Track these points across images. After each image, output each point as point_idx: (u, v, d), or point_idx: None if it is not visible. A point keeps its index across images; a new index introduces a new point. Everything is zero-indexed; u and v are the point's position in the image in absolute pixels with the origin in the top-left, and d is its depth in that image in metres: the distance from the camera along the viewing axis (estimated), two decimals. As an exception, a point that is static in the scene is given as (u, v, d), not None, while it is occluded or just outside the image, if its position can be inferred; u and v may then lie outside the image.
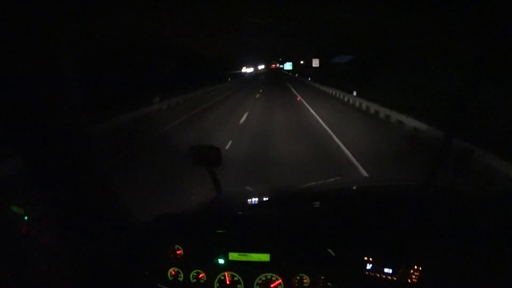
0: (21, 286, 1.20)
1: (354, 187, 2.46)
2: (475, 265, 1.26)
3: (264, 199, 2.04)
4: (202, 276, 1.46)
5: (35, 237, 1.30)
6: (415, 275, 1.31)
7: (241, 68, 77.70)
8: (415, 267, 1.31)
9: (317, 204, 1.92)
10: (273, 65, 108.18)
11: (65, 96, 1.09)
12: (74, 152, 1.14)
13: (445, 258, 1.30)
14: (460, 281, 1.26)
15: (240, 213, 1.75)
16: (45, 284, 1.26)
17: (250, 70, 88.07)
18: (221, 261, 1.44)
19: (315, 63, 45.10)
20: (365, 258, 1.37)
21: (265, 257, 1.41)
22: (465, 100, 1.44)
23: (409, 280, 1.31)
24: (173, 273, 1.47)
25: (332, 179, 2.67)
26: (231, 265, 1.44)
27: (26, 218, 1.34)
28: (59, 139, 1.10)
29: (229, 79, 51.19)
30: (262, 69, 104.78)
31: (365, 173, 6.88)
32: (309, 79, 45.67)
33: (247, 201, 2.06)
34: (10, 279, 1.20)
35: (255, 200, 2.10)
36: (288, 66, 77.54)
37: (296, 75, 69.31)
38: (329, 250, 1.38)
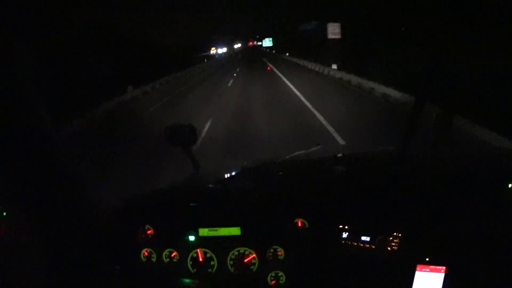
0: None
1: (329, 157, 2.42)
2: (454, 230, 1.24)
3: (237, 173, 2.01)
4: (174, 255, 1.44)
5: (13, 237, 1.29)
6: (394, 242, 1.27)
7: (210, 50, 75.37)
8: (394, 234, 1.27)
9: (289, 175, 1.90)
10: (250, 43, 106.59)
11: (23, 96, 1.04)
12: (38, 151, 1.11)
13: (424, 224, 1.28)
14: (439, 248, 1.24)
15: (208, 186, 1.72)
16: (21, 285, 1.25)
17: (223, 50, 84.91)
18: (191, 238, 1.42)
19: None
20: (340, 226, 1.34)
21: (235, 230, 1.39)
22: (436, 63, 1.44)
23: (388, 248, 1.27)
24: (146, 254, 1.45)
25: (310, 150, 2.68)
26: (202, 242, 1.41)
27: (4, 214, 1.32)
28: (22, 139, 1.06)
29: (205, 60, 53.96)
30: (238, 48, 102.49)
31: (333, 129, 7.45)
32: (287, 54, 44.46)
33: (220, 176, 2.03)
34: None
35: (228, 174, 2.07)
36: (267, 42, 74.04)
37: (274, 51, 65.01)
38: (298, 221, 1.36)
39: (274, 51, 65.64)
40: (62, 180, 1.20)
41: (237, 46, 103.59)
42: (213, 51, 78.46)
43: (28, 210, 1.17)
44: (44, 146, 1.12)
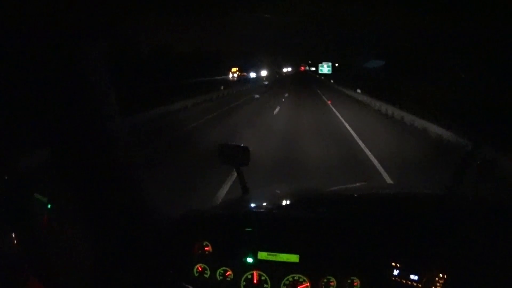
0: (40, 280, 1.23)
1: (381, 192, 2.44)
2: (499, 273, 1.25)
3: (291, 200, 2.04)
4: (229, 274, 1.45)
5: (57, 228, 1.33)
6: (439, 283, 1.30)
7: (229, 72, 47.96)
8: (440, 274, 1.30)
9: (345, 206, 1.90)
10: (302, 68, 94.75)
11: (96, 87, 1.10)
12: (102, 144, 1.15)
13: (469, 266, 1.30)
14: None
15: (269, 211, 1.74)
16: (65, 279, 1.28)
17: (262, 73, 60.71)
18: (249, 259, 1.44)
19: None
20: (393, 264, 1.36)
21: (294, 257, 1.41)
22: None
23: (433, 287, 1.30)
24: (199, 269, 1.47)
25: (358, 184, 2.64)
26: (259, 264, 1.43)
27: (49, 206, 1.37)
28: (88, 130, 1.12)
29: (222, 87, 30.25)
30: (288, 72, 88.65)
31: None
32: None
33: (273, 201, 2.05)
34: (28, 271, 1.22)
35: (282, 200, 2.09)
36: (325, 68, 51.99)
37: (332, 81, 48.45)
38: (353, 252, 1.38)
39: (332, 81, 49.22)
40: (120, 179, 1.23)
41: (287, 69, 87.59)
42: (233, 74, 49.12)
43: (78, 203, 1.20)
44: (103, 142, 1.15)
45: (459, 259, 1.32)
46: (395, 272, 1.36)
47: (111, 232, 1.26)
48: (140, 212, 1.33)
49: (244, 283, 1.44)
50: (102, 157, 1.16)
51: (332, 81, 48.32)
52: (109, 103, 1.15)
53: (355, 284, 1.36)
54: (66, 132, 1.10)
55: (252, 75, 55.07)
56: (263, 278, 1.43)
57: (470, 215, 1.56)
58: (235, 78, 48.20)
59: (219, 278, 1.46)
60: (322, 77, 57.48)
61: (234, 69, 49.88)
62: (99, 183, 1.19)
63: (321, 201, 1.98)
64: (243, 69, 53.47)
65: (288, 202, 2.02)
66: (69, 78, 1.04)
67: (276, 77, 64.13)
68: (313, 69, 72.77)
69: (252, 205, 1.99)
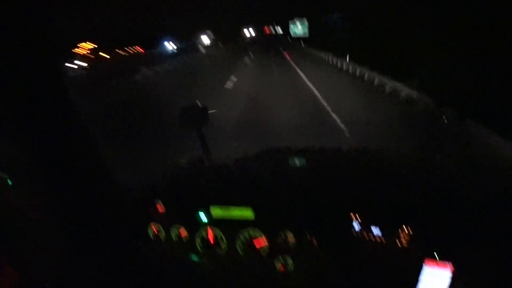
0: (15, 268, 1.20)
1: (345, 148, 2.40)
2: (463, 226, 1.24)
3: (251, 155, 1.98)
4: (184, 235, 1.43)
5: (20, 205, 1.30)
6: (404, 237, 1.27)
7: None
8: (404, 228, 1.27)
9: (304, 160, 1.86)
10: (267, 31, 65.35)
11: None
12: (58, 118, 1.12)
13: (434, 220, 1.28)
14: (448, 244, 1.24)
15: (221, 165, 1.70)
16: (34, 258, 1.27)
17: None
18: (203, 216, 1.41)
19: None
20: (352, 215, 1.33)
21: (247, 212, 1.38)
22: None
23: (397, 242, 1.28)
24: (154, 229, 1.45)
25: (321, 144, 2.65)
26: (213, 221, 1.40)
27: (10, 183, 1.33)
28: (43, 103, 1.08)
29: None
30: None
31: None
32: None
33: (232, 157, 2.00)
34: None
35: (241, 156, 2.04)
36: (299, 29, 29.63)
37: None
38: (311, 206, 1.35)
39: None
40: (78, 152, 1.20)
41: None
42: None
43: (36, 180, 1.17)
44: (60, 117, 1.12)
45: (426, 214, 1.30)
46: (356, 227, 1.33)
47: (72, 203, 1.23)
48: (97, 181, 1.29)
49: (201, 243, 1.42)
50: (60, 129, 1.12)
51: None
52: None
53: (314, 239, 1.34)
54: (23, 107, 1.05)
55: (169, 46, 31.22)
56: (218, 235, 1.41)
57: (437, 172, 1.56)
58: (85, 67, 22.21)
59: (175, 239, 1.43)
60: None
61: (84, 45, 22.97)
62: (58, 155, 1.15)
63: (280, 156, 1.95)
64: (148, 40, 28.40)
65: (245, 157, 1.97)
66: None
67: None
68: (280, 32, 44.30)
69: (208, 160, 1.95)
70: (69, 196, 1.21)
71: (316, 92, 13.82)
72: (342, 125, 8.01)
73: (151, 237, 1.44)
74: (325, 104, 10.80)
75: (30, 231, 1.27)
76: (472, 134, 6.14)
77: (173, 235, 1.43)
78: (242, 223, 1.38)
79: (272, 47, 32.65)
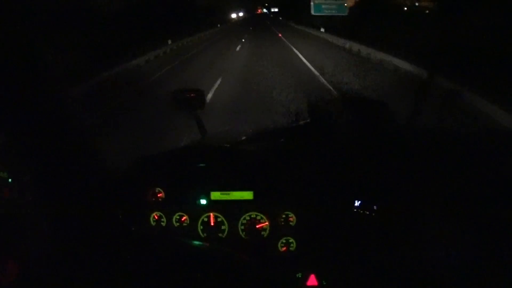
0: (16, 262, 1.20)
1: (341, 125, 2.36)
2: (458, 203, 1.22)
3: (248, 137, 1.95)
4: (184, 219, 1.42)
5: (20, 201, 1.29)
6: (397, 211, 1.27)
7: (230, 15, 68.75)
8: (397, 204, 1.27)
9: (302, 140, 1.82)
10: (259, 10, 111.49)
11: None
12: (42, 115, 1.06)
13: (426, 196, 1.26)
14: (443, 218, 1.22)
15: (220, 147, 1.67)
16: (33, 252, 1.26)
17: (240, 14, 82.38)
18: (203, 201, 1.39)
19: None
20: (353, 196, 1.32)
21: (248, 195, 1.37)
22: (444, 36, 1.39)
23: (400, 218, 1.27)
24: (156, 217, 1.42)
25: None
26: (213, 205, 1.39)
27: (10, 180, 1.33)
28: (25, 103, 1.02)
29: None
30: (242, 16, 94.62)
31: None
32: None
33: (230, 139, 1.96)
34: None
35: (238, 137, 2.00)
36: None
37: (280, 18, 68.90)
38: (312, 187, 1.33)
39: (280, 18, 70.48)
40: (67, 142, 1.15)
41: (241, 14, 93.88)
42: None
43: (33, 174, 1.14)
44: (47, 109, 1.07)
45: (415, 190, 1.27)
46: (357, 203, 1.32)
47: (64, 194, 1.19)
48: (91, 169, 1.24)
49: (202, 227, 1.41)
50: (44, 122, 1.07)
51: (280, 18, 65.92)
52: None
53: (315, 218, 1.33)
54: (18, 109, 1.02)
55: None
56: (219, 219, 1.40)
57: (427, 145, 1.52)
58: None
59: (176, 224, 1.42)
60: (271, 15, 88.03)
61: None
62: (46, 148, 1.10)
63: (279, 135, 1.90)
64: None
65: (244, 138, 1.93)
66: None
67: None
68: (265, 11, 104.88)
69: (206, 143, 1.92)
70: (64, 187, 1.17)
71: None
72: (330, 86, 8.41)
73: (152, 223, 1.43)
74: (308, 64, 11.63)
75: (28, 226, 1.25)
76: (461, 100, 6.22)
77: (173, 221, 1.42)
78: (243, 207, 1.38)
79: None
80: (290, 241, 1.37)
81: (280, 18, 67.66)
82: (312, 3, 20.70)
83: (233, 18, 71.72)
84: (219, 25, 46.29)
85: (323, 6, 20.75)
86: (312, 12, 21.02)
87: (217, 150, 1.55)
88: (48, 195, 1.18)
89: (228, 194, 1.37)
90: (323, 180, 1.35)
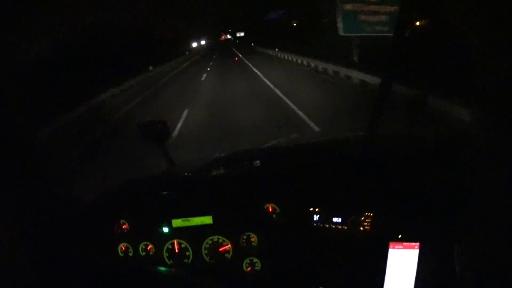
0: None
1: (301, 143, 2.45)
2: (426, 206, 1.24)
3: (209, 163, 2.00)
4: (150, 248, 1.44)
5: None
6: (366, 222, 1.28)
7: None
8: (365, 213, 1.28)
9: (259, 162, 1.89)
10: (223, 37, 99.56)
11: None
12: (12, 148, 1.10)
13: (395, 202, 1.28)
14: (412, 225, 1.24)
15: (180, 176, 1.72)
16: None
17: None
18: (165, 229, 1.42)
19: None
20: (311, 209, 1.34)
21: (207, 219, 1.39)
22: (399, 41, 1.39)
23: (360, 228, 1.28)
24: (123, 248, 1.45)
25: (284, 139, 2.65)
26: (176, 232, 1.42)
27: None
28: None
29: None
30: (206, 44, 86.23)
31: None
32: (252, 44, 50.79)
33: (193, 168, 2.03)
34: None
35: (201, 165, 2.05)
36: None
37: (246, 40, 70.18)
38: (268, 206, 1.37)
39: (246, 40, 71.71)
40: (34, 176, 1.19)
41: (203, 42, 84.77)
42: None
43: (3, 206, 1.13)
44: (17, 143, 1.11)
45: (384, 196, 1.31)
46: (316, 218, 1.34)
47: (33, 227, 1.20)
48: (57, 203, 1.27)
49: (167, 254, 1.43)
50: (13, 155, 1.11)
51: (252, 44, 54.93)
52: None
53: (276, 237, 1.35)
54: None
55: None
56: (183, 245, 1.42)
57: (392, 153, 1.56)
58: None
59: (142, 253, 1.44)
60: (237, 41, 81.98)
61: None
62: (14, 181, 1.13)
63: (238, 159, 1.97)
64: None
65: (207, 165, 1.97)
66: None
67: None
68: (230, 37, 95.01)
69: (170, 172, 1.96)
70: (29, 218, 1.18)
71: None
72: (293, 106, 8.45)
73: (120, 254, 1.45)
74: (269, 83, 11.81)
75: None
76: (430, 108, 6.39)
77: (140, 250, 1.44)
78: (205, 231, 1.40)
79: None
80: (255, 261, 1.38)
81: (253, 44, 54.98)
82: (340, 18, 11.69)
83: (195, 48, 69.16)
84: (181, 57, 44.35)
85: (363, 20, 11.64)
86: (342, 31, 11.95)
87: (176, 178, 1.58)
88: (17, 229, 1.17)
89: (189, 220, 1.40)
90: (279, 197, 1.37)
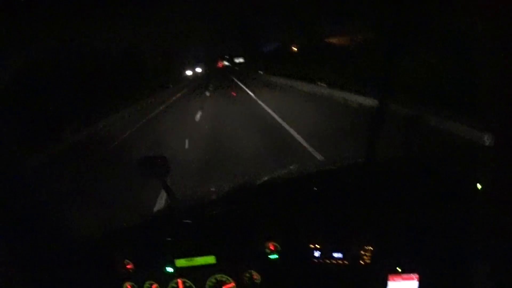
0: None
1: (300, 175, 2.42)
2: (424, 238, 1.25)
3: (212, 200, 2.00)
4: (155, 287, 1.47)
5: None
6: (366, 256, 1.29)
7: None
8: (365, 247, 1.29)
9: (260, 199, 1.84)
10: (220, 64, 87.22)
11: None
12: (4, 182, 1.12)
13: (394, 235, 1.29)
14: (411, 257, 1.26)
15: (183, 217, 1.70)
16: None
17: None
18: (169, 269, 1.44)
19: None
20: (311, 246, 1.35)
21: (211, 259, 1.41)
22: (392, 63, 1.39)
23: (360, 262, 1.29)
24: (128, 287, 1.48)
25: (285, 170, 2.63)
26: (180, 272, 1.44)
27: None
28: None
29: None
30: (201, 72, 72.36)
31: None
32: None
33: (195, 204, 1.99)
34: None
35: (202, 203, 2.04)
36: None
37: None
38: (269, 244, 1.38)
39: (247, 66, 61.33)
40: (28, 208, 1.19)
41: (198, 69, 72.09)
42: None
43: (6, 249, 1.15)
44: (10, 176, 1.13)
45: (384, 229, 1.31)
46: (316, 254, 1.35)
47: (36, 265, 1.21)
48: (57, 239, 1.30)
49: None
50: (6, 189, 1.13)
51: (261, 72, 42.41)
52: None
53: (278, 273, 1.38)
54: None
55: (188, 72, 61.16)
56: (187, 284, 1.45)
57: (388, 181, 1.55)
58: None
59: None
60: (236, 67, 73.57)
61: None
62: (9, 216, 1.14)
63: (239, 195, 1.94)
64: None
65: (210, 203, 1.96)
66: None
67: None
68: (227, 64, 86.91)
69: (172, 213, 1.93)
70: (27, 252, 1.18)
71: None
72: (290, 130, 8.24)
73: None
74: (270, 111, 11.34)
75: None
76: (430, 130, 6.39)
77: None
78: (208, 270, 1.42)
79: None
80: None
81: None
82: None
83: (189, 76, 58.50)
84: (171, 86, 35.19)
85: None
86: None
87: (180, 221, 1.60)
88: (22, 269, 1.18)
89: (192, 260, 1.42)
90: (279, 236, 1.39)
